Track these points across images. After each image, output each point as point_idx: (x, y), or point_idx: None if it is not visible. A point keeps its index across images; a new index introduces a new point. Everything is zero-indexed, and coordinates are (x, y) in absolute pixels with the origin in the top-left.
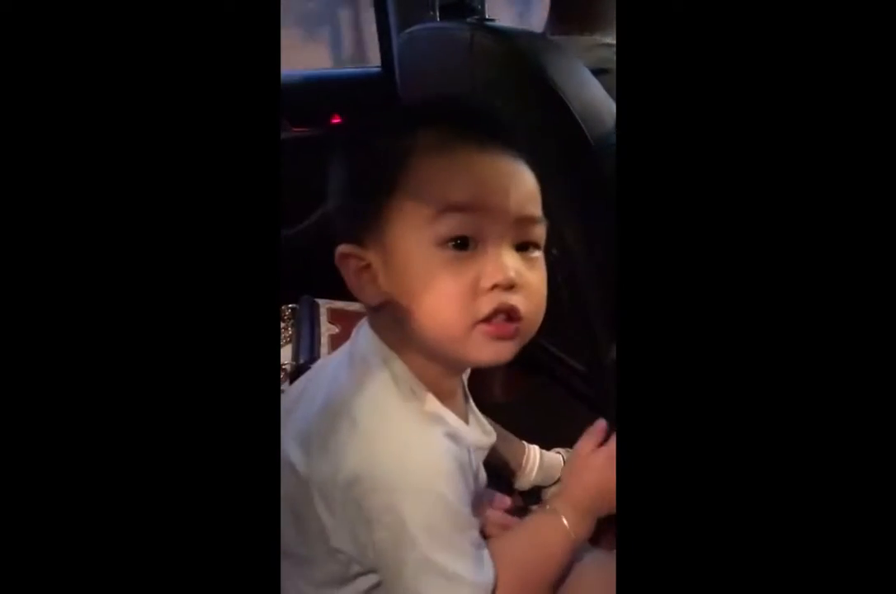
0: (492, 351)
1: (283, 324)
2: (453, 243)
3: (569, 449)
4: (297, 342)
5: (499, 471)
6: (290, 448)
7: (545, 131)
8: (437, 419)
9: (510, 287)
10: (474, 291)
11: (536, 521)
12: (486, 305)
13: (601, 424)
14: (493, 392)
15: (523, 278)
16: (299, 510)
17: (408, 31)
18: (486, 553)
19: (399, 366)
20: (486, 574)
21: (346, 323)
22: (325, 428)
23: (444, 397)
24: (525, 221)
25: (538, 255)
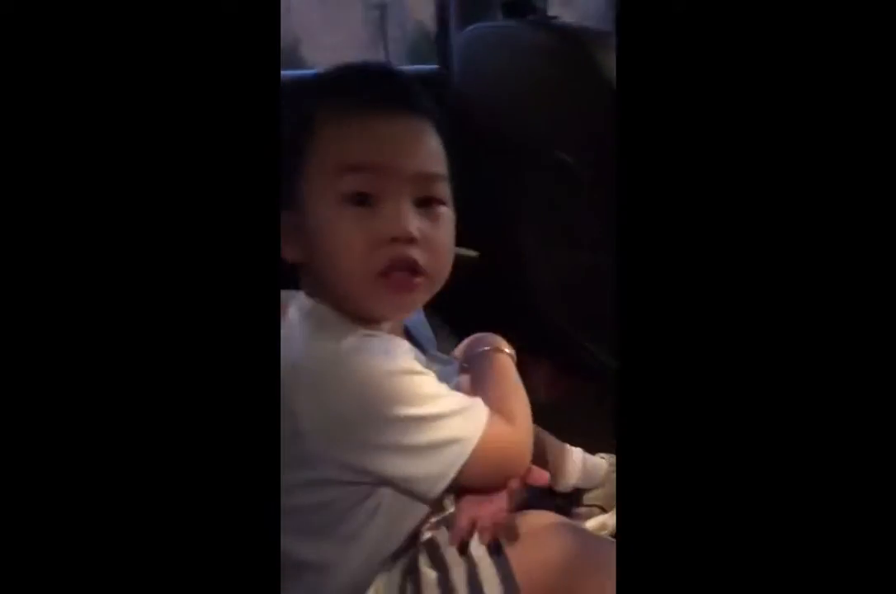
0: (393, 303)
1: None
2: (353, 200)
3: (612, 454)
4: None
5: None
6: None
7: (604, 130)
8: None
9: (409, 241)
10: (373, 245)
11: (488, 359)
12: (384, 258)
13: None
14: (535, 392)
15: (425, 233)
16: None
17: (469, 28)
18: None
19: (319, 308)
20: (460, 398)
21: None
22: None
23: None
24: (425, 178)
25: (444, 210)
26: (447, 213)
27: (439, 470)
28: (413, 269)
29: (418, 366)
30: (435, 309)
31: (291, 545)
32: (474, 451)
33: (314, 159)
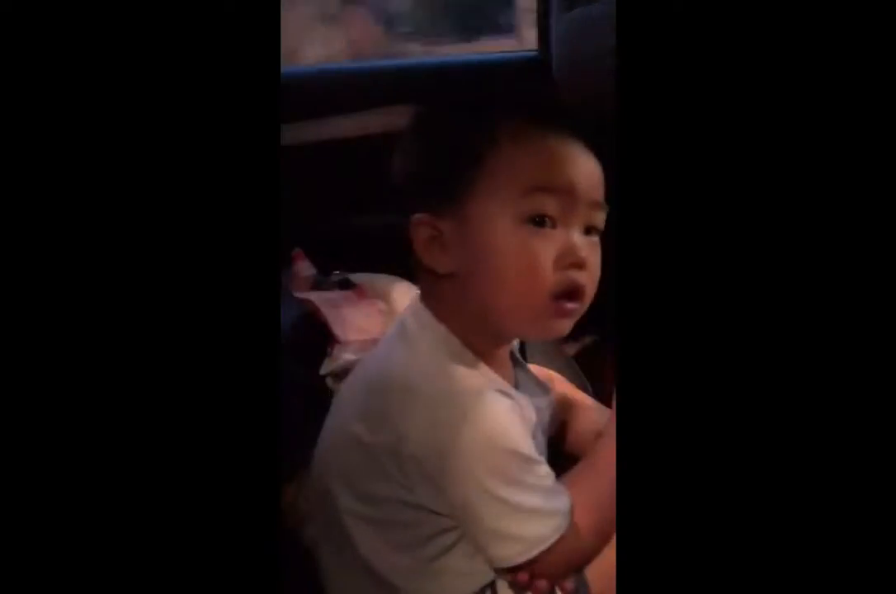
0: (553, 327)
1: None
2: (534, 221)
3: None
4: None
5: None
6: (352, 422)
7: None
8: (488, 381)
9: (581, 267)
10: (550, 268)
11: (597, 452)
12: (560, 283)
13: None
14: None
15: (588, 260)
16: (366, 479)
17: (572, 12)
18: (556, 483)
19: (448, 336)
20: (562, 501)
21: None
22: (383, 400)
23: (492, 365)
24: (595, 206)
25: (597, 239)
26: (598, 242)
27: (502, 555)
28: (579, 295)
29: (535, 454)
30: None
31: (375, 555)
32: (541, 553)
33: (496, 176)
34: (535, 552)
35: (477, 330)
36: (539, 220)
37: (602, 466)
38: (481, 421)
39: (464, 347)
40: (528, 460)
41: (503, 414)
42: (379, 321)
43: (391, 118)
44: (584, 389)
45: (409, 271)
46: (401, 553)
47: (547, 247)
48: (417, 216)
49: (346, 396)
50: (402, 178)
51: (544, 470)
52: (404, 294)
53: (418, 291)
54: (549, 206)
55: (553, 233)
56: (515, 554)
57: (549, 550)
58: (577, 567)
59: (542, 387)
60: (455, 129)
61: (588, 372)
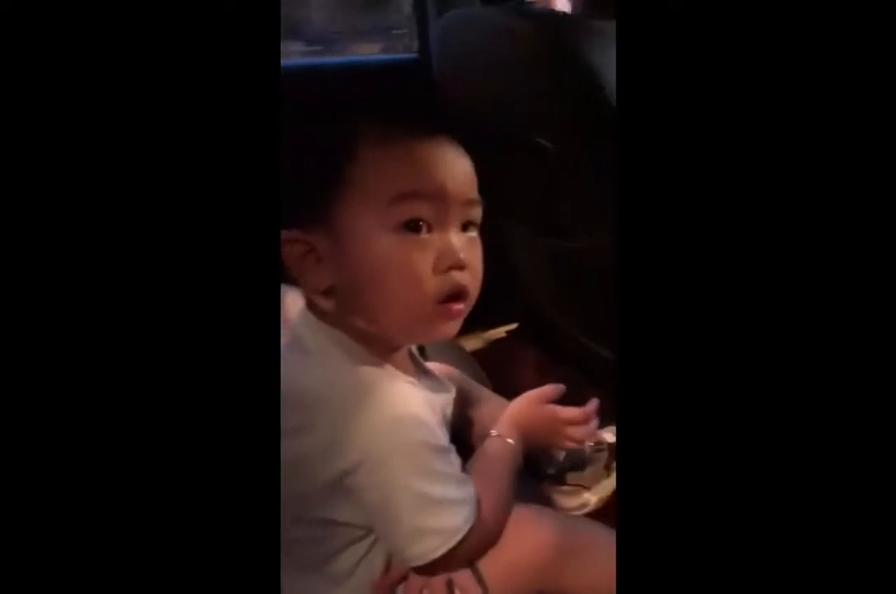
0: (442, 330)
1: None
2: (407, 227)
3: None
4: None
5: (528, 457)
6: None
7: (581, 115)
8: (395, 376)
9: (462, 268)
10: (430, 273)
11: (489, 446)
12: (444, 286)
13: (554, 390)
14: (522, 381)
15: (468, 259)
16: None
17: (446, 15)
18: (462, 472)
19: (346, 340)
20: (470, 489)
21: None
22: (297, 416)
23: (394, 366)
24: (468, 203)
25: (475, 234)
26: (477, 236)
27: (421, 551)
28: (463, 296)
29: (446, 443)
30: None
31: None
32: (457, 544)
33: (361, 185)
34: (452, 543)
35: (369, 337)
36: (412, 226)
37: (494, 456)
38: (393, 411)
39: (363, 349)
40: (440, 450)
41: (414, 404)
42: None
43: None
44: (483, 383)
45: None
46: (309, 572)
47: (424, 252)
48: (287, 234)
49: None
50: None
51: (454, 459)
52: (296, 302)
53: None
54: (421, 210)
55: (429, 237)
56: (434, 548)
57: (463, 540)
58: (482, 554)
59: (444, 384)
60: (314, 139)
61: (489, 366)
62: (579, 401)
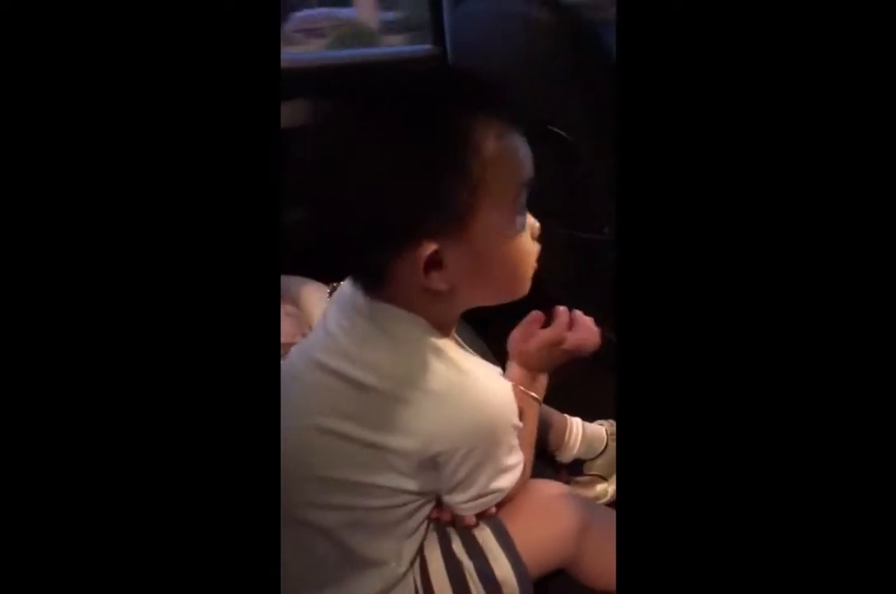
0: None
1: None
2: (521, 213)
3: (612, 421)
4: None
5: (542, 445)
6: (327, 418)
7: (601, 106)
8: (477, 363)
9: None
10: (535, 252)
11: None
12: (535, 256)
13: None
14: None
15: None
16: (347, 470)
17: (463, 5)
18: None
19: (428, 327)
20: (520, 453)
21: None
22: (382, 401)
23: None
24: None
25: None
26: None
27: (478, 508)
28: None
29: (517, 419)
30: None
31: (356, 543)
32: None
33: (490, 181)
34: (500, 499)
35: (445, 317)
36: (523, 213)
37: (522, 412)
38: (492, 405)
39: (442, 334)
40: (517, 427)
41: (503, 391)
42: (287, 324)
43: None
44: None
45: (321, 271)
46: (380, 536)
47: (529, 235)
48: (429, 248)
49: (302, 393)
50: (377, 205)
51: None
52: (315, 295)
53: (331, 289)
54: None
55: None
56: (487, 504)
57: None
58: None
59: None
60: (425, 139)
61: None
62: (594, 387)
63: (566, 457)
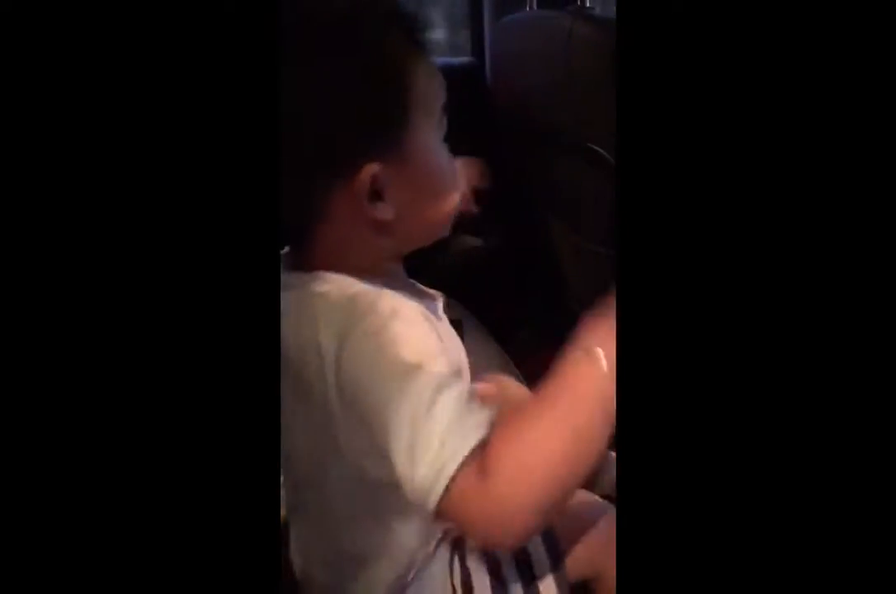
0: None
1: None
2: (445, 139)
3: None
4: None
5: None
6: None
7: None
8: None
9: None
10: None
11: (567, 367)
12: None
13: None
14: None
15: None
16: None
17: (504, 19)
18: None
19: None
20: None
21: None
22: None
23: (389, 278)
24: None
25: None
26: None
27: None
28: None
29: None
30: (461, 298)
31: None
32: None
33: (425, 97)
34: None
35: (389, 257)
36: (446, 137)
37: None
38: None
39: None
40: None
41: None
42: None
43: None
44: (518, 380)
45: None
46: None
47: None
48: (372, 169)
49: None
50: (323, 121)
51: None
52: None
53: None
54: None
55: None
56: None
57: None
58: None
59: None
60: (378, 48)
61: (522, 363)
62: None
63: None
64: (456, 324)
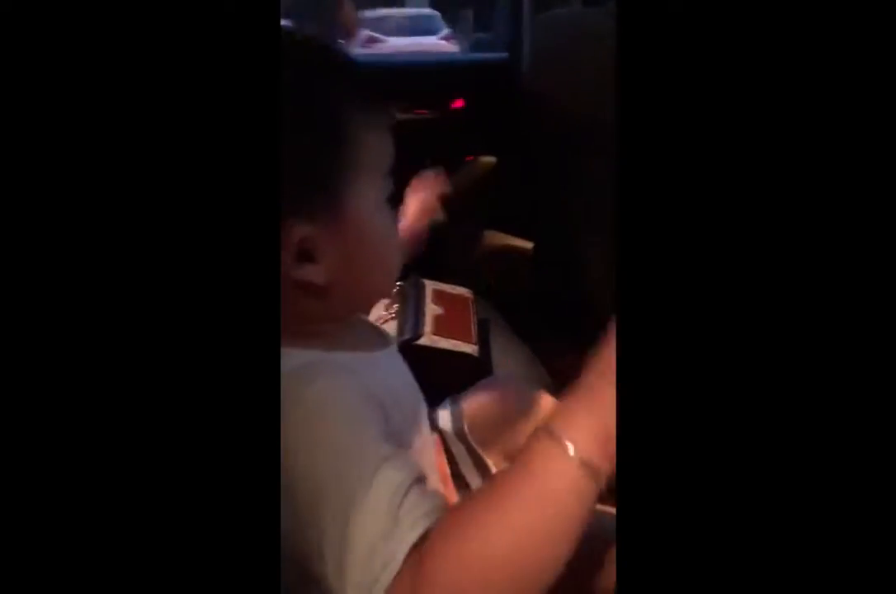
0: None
1: (389, 301)
2: (389, 201)
3: None
4: (401, 319)
5: None
6: None
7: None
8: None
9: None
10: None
11: (529, 455)
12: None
13: None
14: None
15: None
16: None
17: (544, 15)
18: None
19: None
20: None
21: (449, 305)
22: None
23: (334, 338)
24: None
25: None
26: None
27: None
28: None
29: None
30: (491, 299)
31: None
32: None
33: (364, 164)
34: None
35: (320, 321)
36: (392, 199)
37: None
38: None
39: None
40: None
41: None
42: None
43: None
44: (547, 387)
45: None
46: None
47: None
48: (302, 231)
49: None
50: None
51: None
52: None
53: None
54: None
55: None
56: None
57: None
58: None
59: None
60: (312, 124)
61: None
62: None
63: None
64: (483, 323)
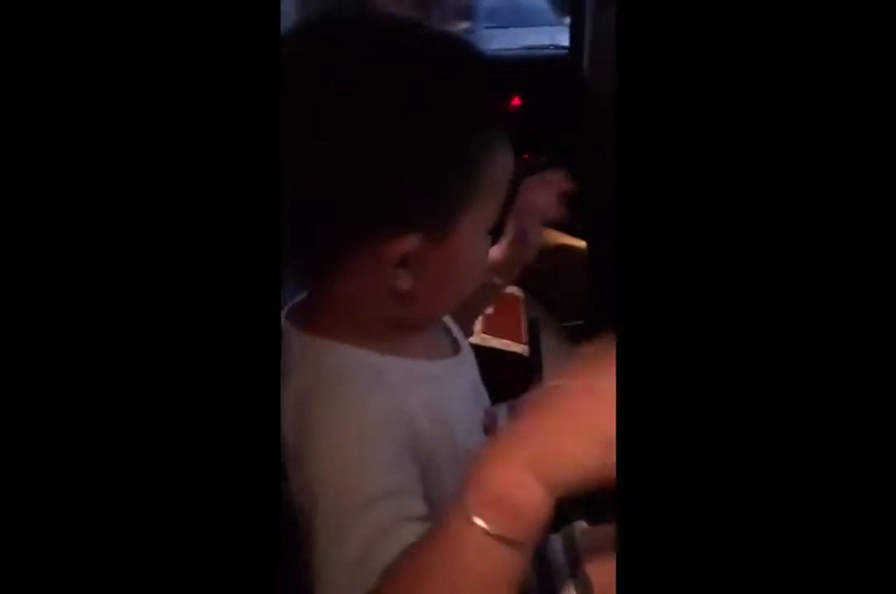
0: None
1: None
2: (489, 233)
3: None
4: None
5: None
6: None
7: None
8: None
9: None
10: None
11: (441, 530)
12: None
13: None
14: None
15: None
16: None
17: (607, 11)
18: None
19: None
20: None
21: (499, 304)
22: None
23: (399, 343)
24: None
25: None
26: None
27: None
28: None
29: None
30: (542, 299)
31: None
32: None
33: (491, 186)
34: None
35: (398, 328)
36: (490, 232)
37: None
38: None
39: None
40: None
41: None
42: None
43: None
44: None
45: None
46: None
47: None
48: (410, 243)
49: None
50: (388, 183)
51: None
52: None
53: None
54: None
55: None
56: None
57: None
58: None
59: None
60: (454, 144)
61: None
62: None
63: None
64: (533, 322)
